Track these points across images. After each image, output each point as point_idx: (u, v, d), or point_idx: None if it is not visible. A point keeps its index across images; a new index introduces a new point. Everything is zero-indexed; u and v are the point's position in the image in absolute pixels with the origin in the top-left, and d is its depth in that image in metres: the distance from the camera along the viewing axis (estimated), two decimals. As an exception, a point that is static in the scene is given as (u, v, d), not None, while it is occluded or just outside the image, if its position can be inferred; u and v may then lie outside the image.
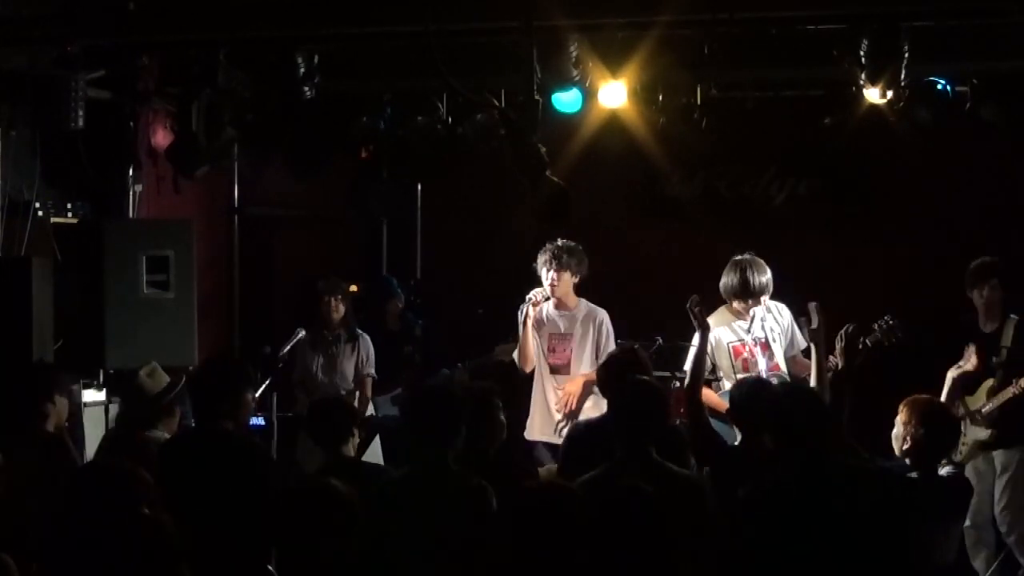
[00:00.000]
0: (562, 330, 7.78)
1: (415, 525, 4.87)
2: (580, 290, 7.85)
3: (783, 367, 7.41)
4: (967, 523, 6.94)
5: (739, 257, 7.44)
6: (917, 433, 5.23)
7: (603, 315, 7.80)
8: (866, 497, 4.82)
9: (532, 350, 7.69)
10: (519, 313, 7.82)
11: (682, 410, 7.78)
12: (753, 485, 5.00)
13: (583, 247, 7.79)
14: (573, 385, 7.56)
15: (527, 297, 7.72)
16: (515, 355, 7.84)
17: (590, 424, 6.61)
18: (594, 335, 7.74)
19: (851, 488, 4.84)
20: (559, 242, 7.74)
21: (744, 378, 6.51)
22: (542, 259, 7.73)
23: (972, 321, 7.45)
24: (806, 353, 7.67)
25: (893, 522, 4.82)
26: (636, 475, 4.62)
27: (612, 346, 7.61)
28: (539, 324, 7.73)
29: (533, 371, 7.79)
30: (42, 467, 5.42)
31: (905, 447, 5.27)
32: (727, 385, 7.19)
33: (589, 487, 4.88)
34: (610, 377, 6.15)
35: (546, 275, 7.69)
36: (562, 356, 7.75)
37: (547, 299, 7.72)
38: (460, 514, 4.84)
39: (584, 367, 7.63)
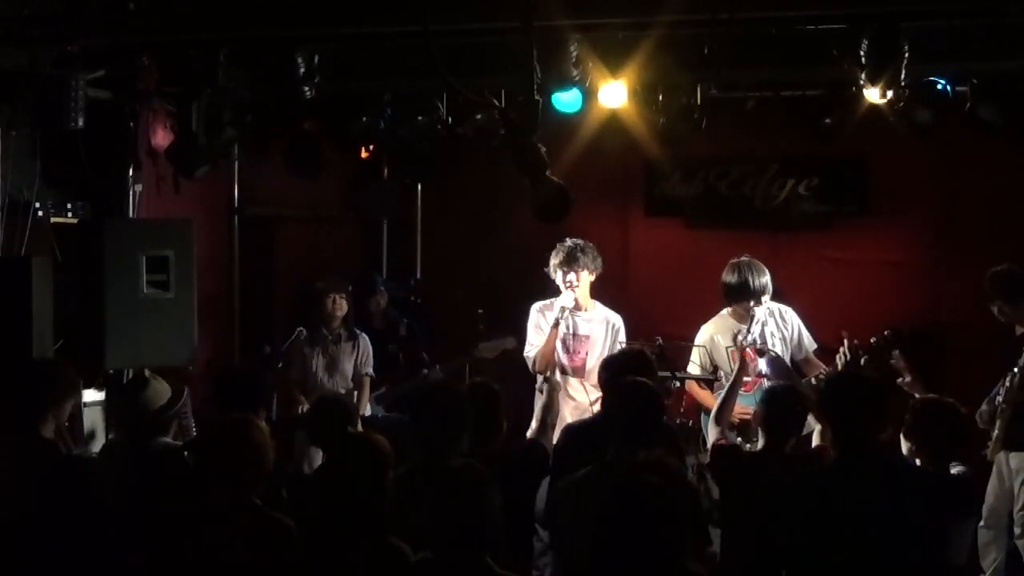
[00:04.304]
0: (580, 332, 7.76)
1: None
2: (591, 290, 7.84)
3: None
4: (981, 523, 6.96)
5: (737, 259, 7.52)
6: (923, 434, 5.24)
7: (619, 321, 7.81)
8: (895, 493, 4.82)
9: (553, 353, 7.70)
10: (535, 314, 7.78)
11: (682, 409, 7.80)
12: (795, 475, 5.08)
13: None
14: None
15: (561, 305, 7.67)
16: (529, 354, 7.81)
17: (583, 424, 6.61)
18: (611, 340, 7.73)
19: (884, 483, 4.84)
20: (570, 242, 7.71)
21: (773, 387, 6.48)
22: (556, 260, 7.69)
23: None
24: (818, 352, 7.69)
25: (918, 518, 4.83)
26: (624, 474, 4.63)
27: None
28: (555, 325, 7.72)
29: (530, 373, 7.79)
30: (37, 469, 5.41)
31: (912, 449, 5.27)
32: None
33: (580, 485, 4.91)
34: (611, 377, 6.14)
35: (563, 276, 7.65)
36: (578, 358, 7.74)
37: (574, 304, 7.68)
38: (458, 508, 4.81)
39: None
